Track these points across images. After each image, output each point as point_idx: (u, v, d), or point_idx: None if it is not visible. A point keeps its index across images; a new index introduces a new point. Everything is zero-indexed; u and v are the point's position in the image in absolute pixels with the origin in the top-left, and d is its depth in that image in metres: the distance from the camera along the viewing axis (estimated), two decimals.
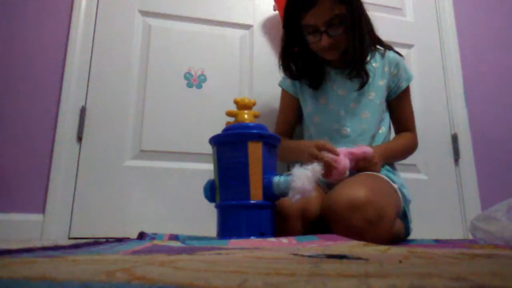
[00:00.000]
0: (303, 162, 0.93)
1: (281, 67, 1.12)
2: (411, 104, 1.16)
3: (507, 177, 1.57)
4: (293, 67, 1.11)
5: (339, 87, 1.10)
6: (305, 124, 1.18)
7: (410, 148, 1.15)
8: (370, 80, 1.07)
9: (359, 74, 1.05)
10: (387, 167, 1.08)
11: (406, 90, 1.13)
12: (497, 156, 1.59)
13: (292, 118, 1.20)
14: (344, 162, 0.92)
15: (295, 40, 1.07)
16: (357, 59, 1.03)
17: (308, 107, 1.14)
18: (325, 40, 1.00)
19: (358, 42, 1.02)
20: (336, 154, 0.92)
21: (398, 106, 1.14)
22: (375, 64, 1.10)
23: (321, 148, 0.94)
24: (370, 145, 1.07)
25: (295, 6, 1.01)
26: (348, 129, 1.07)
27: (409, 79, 1.12)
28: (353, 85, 1.07)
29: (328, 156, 0.91)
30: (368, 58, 1.07)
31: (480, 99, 1.64)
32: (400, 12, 1.65)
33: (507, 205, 0.82)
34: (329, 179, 0.94)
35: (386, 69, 1.10)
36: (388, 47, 1.13)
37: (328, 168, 0.91)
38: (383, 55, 1.11)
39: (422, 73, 1.57)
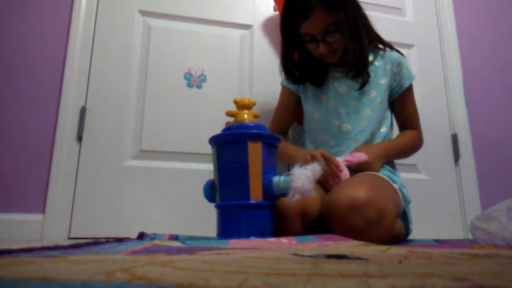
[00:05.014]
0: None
1: (283, 73, 1.13)
2: (414, 103, 1.16)
3: (507, 177, 1.57)
4: (296, 73, 1.12)
5: (340, 85, 1.10)
6: (306, 120, 1.18)
7: (414, 146, 1.15)
8: (372, 78, 1.07)
9: (359, 75, 1.05)
10: (387, 167, 1.08)
11: (409, 89, 1.13)
12: (497, 156, 1.59)
13: (289, 115, 1.21)
14: (345, 173, 0.94)
15: (294, 45, 1.08)
16: (358, 62, 1.03)
17: (309, 103, 1.15)
18: (322, 48, 1.01)
19: (357, 45, 1.02)
20: (336, 165, 0.94)
21: (402, 105, 1.14)
22: (377, 62, 1.10)
23: (322, 158, 0.94)
24: (369, 143, 1.07)
25: (290, 16, 1.02)
26: (349, 126, 1.07)
27: (411, 77, 1.13)
28: (354, 83, 1.08)
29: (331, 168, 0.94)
30: (371, 58, 1.07)
31: (480, 99, 1.64)
32: (400, 12, 1.65)
33: (507, 205, 0.81)
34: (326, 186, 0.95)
35: (388, 67, 1.11)
36: (388, 45, 1.13)
37: (327, 178, 0.93)
38: (384, 54, 1.12)
39: (422, 73, 1.57)
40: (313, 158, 0.92)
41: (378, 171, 1.01)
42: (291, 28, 1.04)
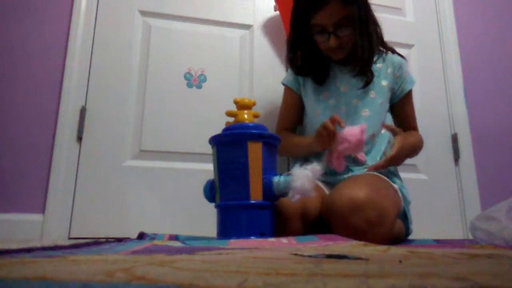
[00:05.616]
0: (314, 151, 0.99)
1: (288, 62, 1.13)
2: (413, 106, 1.17)
3: (507, 177, 1.57)
4: (300, 64, 1.12)
5: (342, 84, 1.10)
6: (307, 117, 1.17)
7: (421, 145, 1.13)
8: (374, 79, 1.07)
9: (364, 73, 1.06)
10: (388, 167, 1.08)
11: (409, 93, 1.14)
12: (497, 156, 1.59)
13: (294, 114, 1.19)
14: (355, 131, 0.91)
15: (301, 38, 1.08)
16: (365, 59, 1.04)
17: (310, 101, 1.14)
18: (333, 41, 1.01)
19: (367, 42, 1.03)
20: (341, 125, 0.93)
21: (402, 108, 1.14)
22: (378, 64, 1.11)
23: (328, 125, 0.92)
24: (370, 144, 1.06)
25: (304, 6, 1.02)
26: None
27: (412, 82, 1.14)
28: (356, 83, 1.08)
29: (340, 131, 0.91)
30: (375, 59, 1.08)
31: (480, 99, 1.64)
32: (400, 12, 1.65)
33: (507, 205, 0.81)
34: (347, 152, 0.92)
35: (389, 70, 1.11)
36: (391, 49, 1.14)
37: (342, 140, 0.90)
38: (385, 57, 1.12)
39: (422, 73, 1.57)
40: (325, 127, 0.91)
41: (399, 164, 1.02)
42: (303, 18, 1.03)
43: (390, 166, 1.00)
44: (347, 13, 0.99)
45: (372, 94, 1.09)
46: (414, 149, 1.06)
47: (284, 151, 1.14)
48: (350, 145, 0.91)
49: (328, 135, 0.92)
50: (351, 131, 0.91)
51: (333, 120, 0.93)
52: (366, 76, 1.06)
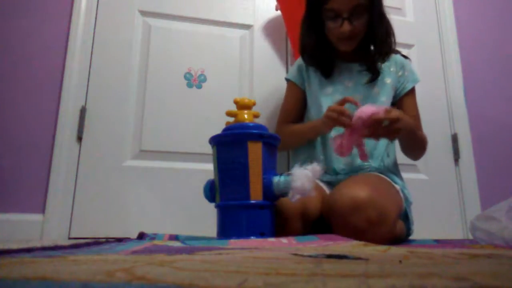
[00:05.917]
0: (320, 134, 1.00)
1: (300, 45, 1.13)
2: (417, 106, 1.16)
3: (507, 177, 1.57)
4: (310, 52, 1.11)
5: (346, 79, 1.11)
6: (310, 114, 1.16)
7: (425, 142, 1.11)
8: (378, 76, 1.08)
9: (373, 68, 1.06)
10: (389, 168, 1.08)
11: (411, 92, 1.14)
12: (497, 156, 1.59)
13: (297, 110, 1.19)
14: (371, 107, 0.88)
15: (313, 24, 1.07)
16: (382, 52, 1.06)
17: (314, 95, 1.13)
18: (346, 26, 1.01)
19: (384, 31, 1.05)
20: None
21: (403, 107, 1.14)
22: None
23: (338, 108, 0.91)
24: (373, 141, 1.06)
25: None
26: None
27: (415, 80, 1.14)
28: (361, 79, 1.08)
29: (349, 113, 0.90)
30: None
31: (480, 99, 1.64)
32: (400, 12, 1.65)
33: (507, 205, 0.82)
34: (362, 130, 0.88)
35: (392, 69, 1.12)
36: (396, 51, 1.14)
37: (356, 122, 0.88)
38: (389, 56, 1.13)
39: (422, 73, 1.57)
40: (334, 110, 0.91)
41: (400, 133, 0.94)
42: (316, 4, 1.03)
43: (389, 118, 0.88)
44: (363, 1, 1.00)
45: (376, 90, 1.09)
46: (413, 131, 1.00)
47: (287, 143, 1.12)
48: (362, 117, 0.86)
49: (339, 115, 0.90)
50: (367, 107, 0.88)
51: (344, 101, 0.93)
52: (373, 72, 1.07)
